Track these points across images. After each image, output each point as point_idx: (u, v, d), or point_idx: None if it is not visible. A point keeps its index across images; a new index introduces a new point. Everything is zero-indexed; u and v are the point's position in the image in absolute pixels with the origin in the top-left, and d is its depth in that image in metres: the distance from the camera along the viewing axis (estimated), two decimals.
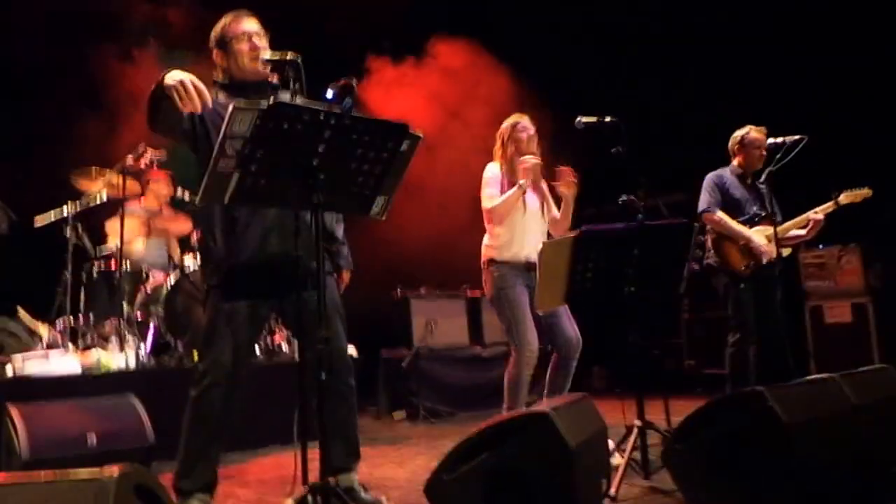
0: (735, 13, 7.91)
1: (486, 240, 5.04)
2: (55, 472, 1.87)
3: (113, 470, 1.83)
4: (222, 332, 3.42)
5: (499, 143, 5.07)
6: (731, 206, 5.58)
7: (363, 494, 3.55)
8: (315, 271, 2.93)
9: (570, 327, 4.84)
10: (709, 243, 5.62)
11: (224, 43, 3.52)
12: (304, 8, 7.03)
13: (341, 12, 7.76)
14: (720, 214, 5.54)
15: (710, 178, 5.69)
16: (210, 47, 3.58)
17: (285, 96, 3.23)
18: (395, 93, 7.91)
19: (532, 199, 4.99)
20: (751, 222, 5.53)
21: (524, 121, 5.06)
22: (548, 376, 4.87)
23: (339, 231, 3.82)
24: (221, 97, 3.44)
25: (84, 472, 1.87)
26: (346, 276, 3.88)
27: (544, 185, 5.09)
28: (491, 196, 4.95)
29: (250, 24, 3.52)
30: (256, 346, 6.06)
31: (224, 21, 3.55)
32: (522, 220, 4.93)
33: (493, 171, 5.02)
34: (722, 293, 5.61)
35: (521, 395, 4.73)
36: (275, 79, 3.49)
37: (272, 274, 3.39)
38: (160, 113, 3.22)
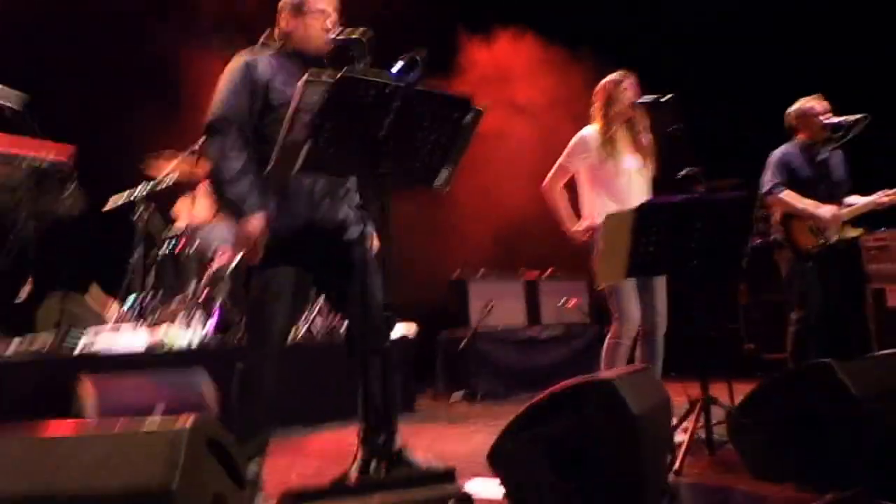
0: (735, 13, 7.94)
1: (586, 207, 4.83)
2: (127, 424, 1.90)
3: (186, 421, 1.86)
4: (265, 302, 3.41)
5: (598, 102, 4.81)
6: (801, 185, 5.38)
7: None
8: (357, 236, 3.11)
9: (658, 301, 4.73)
10: (776, 218, 5.47)
11: (299, 10, 3.50)
12: None
13: None
14: (785, 193, 5.36)
15: (776, 155, 5.47)
16: (280, 6, 3.56)
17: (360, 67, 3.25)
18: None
19: (630, 160, 4.76)
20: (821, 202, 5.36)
21: (630, 79, 4.78)
22: (637, 352, 4.75)
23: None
24: (274, 60, 3.47)
25: (156, 424, 1.90)
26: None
27: (644, 139, 4.82)
28: (562, 166, 4.84)
29: (331, 4, 3.51)
30: (313, 326, 6.20)
31: None
32: (622, 183, 4.72)
33: (581, 134, 4.80)
34: (785, 271, 5.47)
35: (617, 365, 4.57)
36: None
37: (317, 242, 3.41)
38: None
